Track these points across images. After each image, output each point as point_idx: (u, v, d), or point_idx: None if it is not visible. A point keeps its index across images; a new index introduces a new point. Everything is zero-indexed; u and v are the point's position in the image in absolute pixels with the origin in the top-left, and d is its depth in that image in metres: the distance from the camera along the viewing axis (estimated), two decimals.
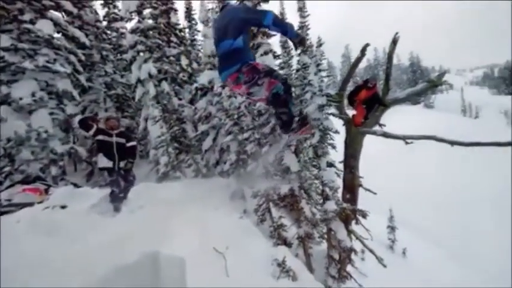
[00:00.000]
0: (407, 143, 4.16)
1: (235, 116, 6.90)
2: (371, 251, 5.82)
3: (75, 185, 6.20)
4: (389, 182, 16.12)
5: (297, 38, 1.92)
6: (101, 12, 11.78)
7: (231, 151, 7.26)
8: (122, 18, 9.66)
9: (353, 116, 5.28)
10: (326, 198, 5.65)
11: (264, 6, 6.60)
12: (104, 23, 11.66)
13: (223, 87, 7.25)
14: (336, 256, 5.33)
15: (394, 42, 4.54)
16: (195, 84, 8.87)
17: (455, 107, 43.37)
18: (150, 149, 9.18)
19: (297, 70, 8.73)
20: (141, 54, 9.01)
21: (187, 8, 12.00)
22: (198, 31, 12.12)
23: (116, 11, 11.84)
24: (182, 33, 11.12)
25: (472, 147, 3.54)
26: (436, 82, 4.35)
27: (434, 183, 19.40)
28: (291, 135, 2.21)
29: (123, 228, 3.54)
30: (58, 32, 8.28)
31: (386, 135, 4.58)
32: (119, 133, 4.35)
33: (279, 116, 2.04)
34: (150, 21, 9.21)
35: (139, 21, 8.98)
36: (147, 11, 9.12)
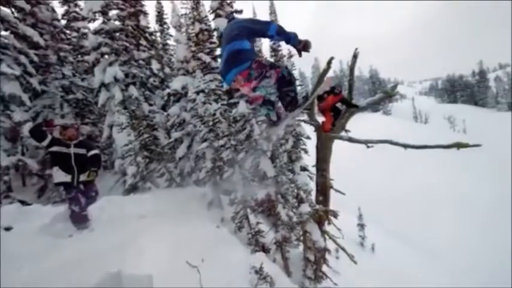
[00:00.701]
0: (368, 146, 4.60)
1: (211, 123, 6.80)
2: (343, 249, 6.14)
3: (23, 203, 5.41)
4: (357, 183, 17.33)
5: (300, 44, 2.04)
6: (60, 10, 10.73)
7: (207, 158, 7.10)
8: (83, 18, 8.94)
9: (322, 122, 5.62)
10: (301, 201, 5.83)
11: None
12: (63, 22, 10.66)
13: (197, 93, 7.13)
14: (312, 257, 5.50)
15: (355, 56, 5.03)
16: (168, 90, 8.55)
17: (408, 114, 49.24)
18: (115, 159, 8.48)
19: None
20: (106, 56, 8.41)
21: (158, 12, 11.64)
22: (171, 35, 11.81)
23: (77, 9, 10.94)
24: (153, 37, 10.71)
25: (426, 149, 4.04)
26: (390, 93, 4.93)
27: (397, 183, 21.41)
28: (295, 111, 2.39)
29: (83, 249, 3.18)
30: (6, 30, 7.35)
31: (351, 140, 4.98)
32: (78, 143, 3.87)
33: (286, 95, 2.25)
34: (117, 23, 8.70)
35: (104, 22, 8.42)
36: (113, 12, 8.61)
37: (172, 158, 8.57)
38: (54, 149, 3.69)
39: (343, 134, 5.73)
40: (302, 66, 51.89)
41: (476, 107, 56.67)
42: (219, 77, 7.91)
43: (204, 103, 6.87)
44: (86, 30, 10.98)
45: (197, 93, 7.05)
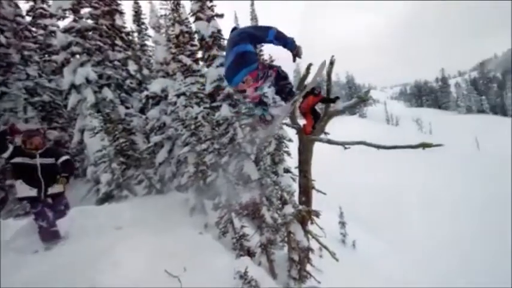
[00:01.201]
0: (345, 148, 4.81)
1: (193, 126, 6.64)
2: (325, 247, 6.34)
3: None
4: (337, 183, 18.00)
5: (294, 50, 2.20)
6: (25, 6, 9.86)
7: (189, 163, 6.89)
8: (52, 15, 8.31)
9: (303, 125, 5.78)
10: (284, 202, 5.90)
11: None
12: (28, 19, 9.81)
13: (178, 96, 6.95)
14: (296, 258, 5.56)
15: (331, 63, 5.25)
16: (146, 92, 8.21)
17: (382, 117, 52.62)
18: (87, 166, 7.90)
19: None
20: (77, 56, 7.87)
21: (136, 12, 11.22)
22: (149, 36, 11.41)
23: (44, 6, 10.14)
24: (130, 37, 10.26)
25: (398, 150, 4.32)
26: (364, 97, 5.24)
27: (374, 182, 22.63)
28: (292, 101, 2.72)
29: (50, 265, 2.89)
30: None
31: (330, 142, 5.19)
32: (44, 152, 3.46)
33: (285, 87, 2.59)
34: (90, 22, 8.21)
35: (75, 20, 7.90)
36: (85, 10, 8.12)
37: (151, 164, 8.20)
38: (17, 160, 3.27)
39: (322, 136, 5.94)
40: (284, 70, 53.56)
41: (440, 110, 62.21)
42: (201, 80, 7.80)
43: (186, 106, 6.70)
44: (55, 28, 10.20)
45: (178, 96, 6.86)
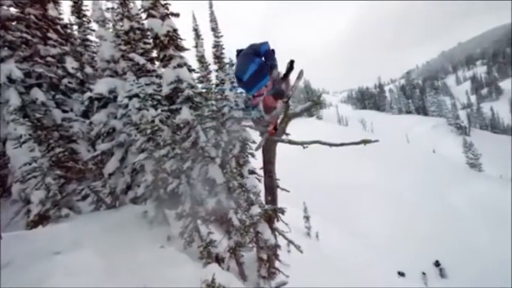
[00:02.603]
0: (304, 147, 5.14)
1: (149, 131, 6.09)
2: (291, 241, 6.67)
3: None
4: (300, 180, 19.09)
5: (273, 75, 2.58)
6: None
7: (147, 171, 6.28)
8: None
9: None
10: (251, 203, 5.91)
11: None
12: None
13: (130, 97, 6.28)
14: (265, 257, 5.62)
15: (292, 68, 5.56)
16: (90, 93, 7.19)
17: (334, 118, 58.48)
18: (12, 183, 6.44)
19: (217, 85, 8.92)
20: None
21: (75, 3, 9.75)
22: (92, 30, 10.00)
23: None
24: (68, 30, 8.86)
25: (347, 146, 4.81)
26: (317, 101, 5.73)
27: (332, 178, 24.75)
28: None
29: None
30: None
31: (290, 142, 5.46)
32: None
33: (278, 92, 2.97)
34: (12, 10, 6.78)
35: None
36: None
37: (99, 175, 7.18)
38: None
39: (284, 137, 6.20)
40: None
41: (379, 112, 72.47)
42: (157, 81, 7.24)
43: (140, 109, 6.10)
44: None
45: (130, 97, 6.21)
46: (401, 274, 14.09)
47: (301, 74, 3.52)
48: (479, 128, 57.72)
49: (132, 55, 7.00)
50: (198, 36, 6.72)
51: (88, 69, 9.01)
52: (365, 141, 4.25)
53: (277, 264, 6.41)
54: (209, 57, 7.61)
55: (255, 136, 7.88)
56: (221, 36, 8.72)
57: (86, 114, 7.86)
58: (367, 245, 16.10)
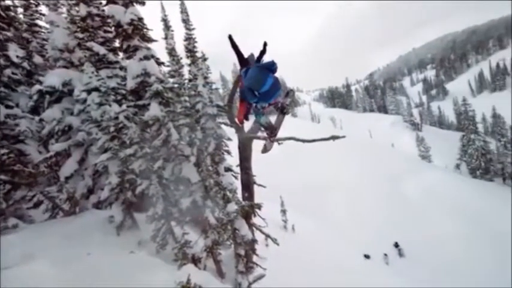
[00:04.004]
0: (279, 143, 5.21)
1: (112, 129, 5.55)
2: (267, 235, 6.81)
3: None
4: (276, 176, 19.52)
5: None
6: None
7: (111, 172, 5.74)
8: None
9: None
10: (227, 201, 5.83)
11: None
12: None
13: (89, 91, 5.65)
14: (243, 252, 5.62)
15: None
16: (39, 86, 6.28)
17: (308, 116, 61.01)
18: None
19: (190, 80, 8.51)
20: None
21: None
22: (42, 14, 8.68)
23: None
24: (11, 13, 7.56)
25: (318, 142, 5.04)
26: (289, 97, 5.83)
27: (306, 174, 25.86)
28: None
29: None
30: None
31: (266, 138, 5.48)
32: None
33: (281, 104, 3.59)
34: None
35: None
36: None
37: (53, 179, 6.37)
38: None
39: (259, 134, 6.22)
40: (222, 70, 54.07)
41: (347, 110, 77.68)
42: (122, 74, 6.63)
43: (100, 104, 5.52)
44: None
45: (88, 91, 5.57)
46: (367, 257, 15.49)
47: (291, 92, 3.90)
48: (429, 125, 65.76)
49: (90, 44, 6.28)
50: (167, 27, 6.31)
51: (37, 59, 7.85)
52: (334, 137, 4.50)
53: (254, 258, 6.47)
54: (181, 50, 7.23)
55: (230, 133, 7.78)
56: (193, 29, 8.34)
57: (35, 110, 6.84)
58: (337, 233, 17.32)
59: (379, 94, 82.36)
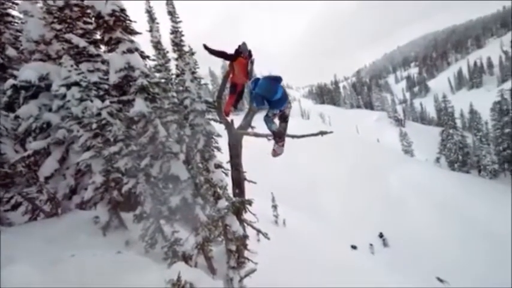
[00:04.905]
0: (269, 139, 5.22)
1: (95, 126, 5.30)
2: (258, 230, 6.86)
3: None
4: (266, 172, 19.68)
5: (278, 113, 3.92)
6: None
7: (94, 172, 5.52)
8: None
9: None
10: (218, 198, 5.79)
11: None
12: None
13: (68, 86, 5.35)
14: (234, 248, 5.63)
15: (251, 62, 5.47)
16: (14, 81, 5.86)
17: (298, 112, 61.52)
18: None
19: (177, 75, 8.25)
20: None
21: None
22: (15, 3, 8.03)
23: None
24: None
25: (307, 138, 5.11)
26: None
27: (297, 169, 26.24)
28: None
29: None
30: None
31: (256, 134, 5.47)
32: None
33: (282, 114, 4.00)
34: None
35: None
36: None
37: (32, 179, 6.03)
38: None
39: (249, 130, 6.20)
40: (212, 66, 54.19)
41: (335, 106, 79.10)
42: (104, 67, 6.33)
43: (81, 100, 5.26)
44: None
45: (68, 86, 5.28)
46: (354, 247, 16.14)
47: (289, 104, 4.20)
48: (412, 120, 68.67)
49: (69, 36, 5.92)
50: (152, 19, 6.06)
51: (10, 51, 7.31)
52: (322, 133, 4.60)
53: (246, 253, 6.50)
54: (167, 44, 6.98)
55: (220, 130, 7.70)
56: (180, 21, 8.06)
57: (10, 107, 6.39)
58: (326, 225, 17.87)
59: (365, 91, 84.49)
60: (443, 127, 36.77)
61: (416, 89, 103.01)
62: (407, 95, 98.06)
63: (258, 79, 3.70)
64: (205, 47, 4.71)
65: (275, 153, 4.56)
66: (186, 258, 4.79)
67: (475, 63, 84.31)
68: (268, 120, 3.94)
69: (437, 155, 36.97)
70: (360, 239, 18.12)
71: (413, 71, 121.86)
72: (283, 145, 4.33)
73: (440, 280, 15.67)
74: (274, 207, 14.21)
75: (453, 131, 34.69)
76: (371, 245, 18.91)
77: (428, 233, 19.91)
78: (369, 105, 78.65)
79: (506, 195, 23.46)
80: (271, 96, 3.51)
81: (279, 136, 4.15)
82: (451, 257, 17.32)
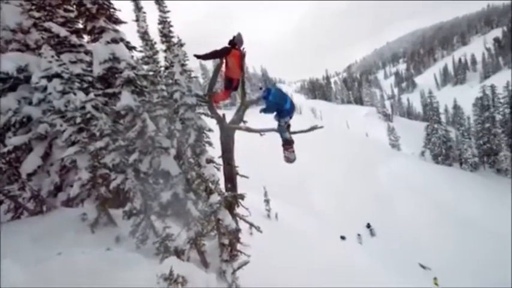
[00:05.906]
0: (261, 134, 5.21)
1: (79, 120, 5.08)
2: (251, 224, 6.94)
3: None
4: (261, 167, 19.80)
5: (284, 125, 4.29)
6: None
7: (80, 168, 5.32)
8: None
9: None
10: (210, 192, 5.76)
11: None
12: None
13: (50, 78, 5.08)
14: (227, 242, 5.66)
15: (243, 55, 5.36)
16: None
17: None
18: None
19: (166, 68, 7.99)
20: None
21: None
22: None
23: None
24: None
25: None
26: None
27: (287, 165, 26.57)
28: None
29: None
30: None
31: (248, 129, 5.45)
32: None
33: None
34: None
35: None
36: None
37: (13, 176, 5.75)
38: None
39: (241, 124, 6.15)
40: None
41: (326, 102, 79.90)
42: (87, 58, 6.03)
43: (64, 93, 5.00)
44: None
45: (49, 78, 5.00)
46: (343, 238, 16.69)
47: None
48: (399, 116, 70.66)
49: (48, 24, 5.57)
50: (138, 8, 5.79)
51: None
52: (313, 128, 4.66)
53: (238, 246, 6.56)
54: (155, 34, 6.71)
55: (211, 124, 7.60)
56: (168, 11, 7.77)
57: None
58: (317, 216, 18.39)
59: (356, 86, 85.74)
60: (428, 122, 38.08)
61: (404, 84, 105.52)
62: (396, 90, 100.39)
63: (269, 89, 4.03)
64: (197, 56, 4.77)
65: (288, 160, 4.66)
66: (179, 253, 4.76)
67: (460, 60, 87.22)
68: (282, 129, 4.18)
69: (422, 149, 38.41)
70: (349, 229, 18.75)
71: (402, 67, 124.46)
72: (293, 151, 4.52)
73: (423, 267, 16.58)
74: (267, 201, 14.34)
75: (438, 125, 36.01)
76: (359, 235, 19.59)
77: (413, 223, 20.99)
78: (359, 101, 79.99)
79: (485, 187, 24.95)
80: (283, 104, 3.89)
81: (290, 144, 4.36)
82: (435, 245, 18.61)
